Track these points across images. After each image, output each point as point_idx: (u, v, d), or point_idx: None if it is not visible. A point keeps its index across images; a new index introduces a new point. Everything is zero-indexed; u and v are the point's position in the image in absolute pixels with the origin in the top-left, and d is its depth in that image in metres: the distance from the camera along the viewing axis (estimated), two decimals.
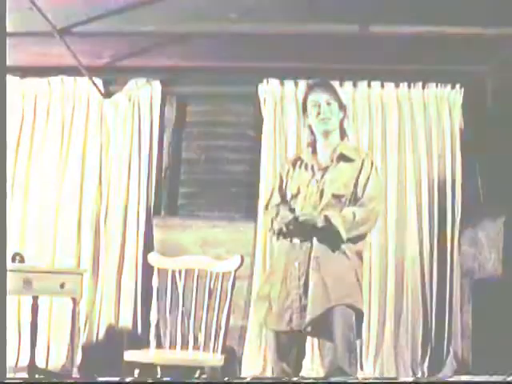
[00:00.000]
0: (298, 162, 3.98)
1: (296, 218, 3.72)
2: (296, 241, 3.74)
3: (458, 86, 5.91)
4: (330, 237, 3.68)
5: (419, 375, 5.49)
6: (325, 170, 3.85)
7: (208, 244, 5.84)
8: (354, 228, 3.71)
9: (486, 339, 5.19)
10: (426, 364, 5.60)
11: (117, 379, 3.87)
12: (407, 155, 5.85)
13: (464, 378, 5.15)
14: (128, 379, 3.46)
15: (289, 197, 3.90)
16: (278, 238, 3.90)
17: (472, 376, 5.14)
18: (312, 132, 4.01)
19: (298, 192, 3.84)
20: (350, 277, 3.71)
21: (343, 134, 3.99)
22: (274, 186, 4.10)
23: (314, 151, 3.96)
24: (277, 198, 3.97)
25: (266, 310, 3.75)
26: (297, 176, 3.93)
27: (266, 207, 4.04)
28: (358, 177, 3.82)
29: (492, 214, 5.38)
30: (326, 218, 3.68)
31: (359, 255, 3.80)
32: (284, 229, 3.77)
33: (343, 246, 3.71)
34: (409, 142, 5.87)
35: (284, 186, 3.97)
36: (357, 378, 3.76)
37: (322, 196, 3.77)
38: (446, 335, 5.65)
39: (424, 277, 5.70)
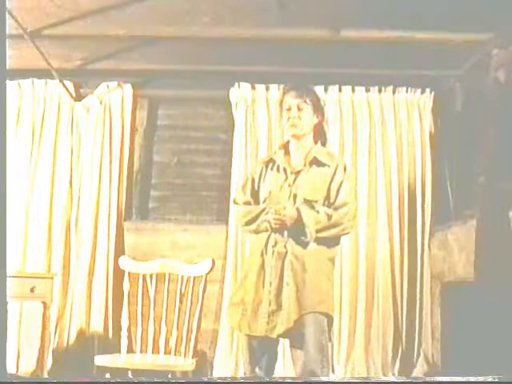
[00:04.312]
0: (271, 164, 3.96)
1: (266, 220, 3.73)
2: (269, 246, 3.74)
3: (428, 90, 5.96)
4: (304, 241, 3.69)
5: (390, 377, 5.51)
6: (297, 173, 3.82)
7: (179, 248, 5.84)
8: (326, 229, 3.69)
9: (456, 341, 5.23)
10: (396, 366, 5.63)
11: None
12: (378, 159, 5.88)
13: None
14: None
15: (261, 199, 3.89)
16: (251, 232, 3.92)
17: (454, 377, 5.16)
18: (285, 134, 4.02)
19: (270, 195, 3.83)
20: (323, 283, 3.71)
21: (317, 138, 3.96)
22: (244, 184, 4.06)
23: (287, 153, 3.95)
24: (247, 197, 3.95)
25: (240, 315, 3.74)
26: (269, 178, 3.91)
27: (236, 202, 4.02)
28: (330, 182, 3.79)
29: (462, 217, 5.42)
30: (298, 211, 3.69)
31: (332, 261, 3.80)
32: (258, 227, 3.80)
33: (317, 251, 3.71)
34: (379, 146, 5.90)
35: (256, 186, 3.96)
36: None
37: (294, 200, 3.76)
38: (416, 337, 5.69)
39: (394, 280, 5.74)
